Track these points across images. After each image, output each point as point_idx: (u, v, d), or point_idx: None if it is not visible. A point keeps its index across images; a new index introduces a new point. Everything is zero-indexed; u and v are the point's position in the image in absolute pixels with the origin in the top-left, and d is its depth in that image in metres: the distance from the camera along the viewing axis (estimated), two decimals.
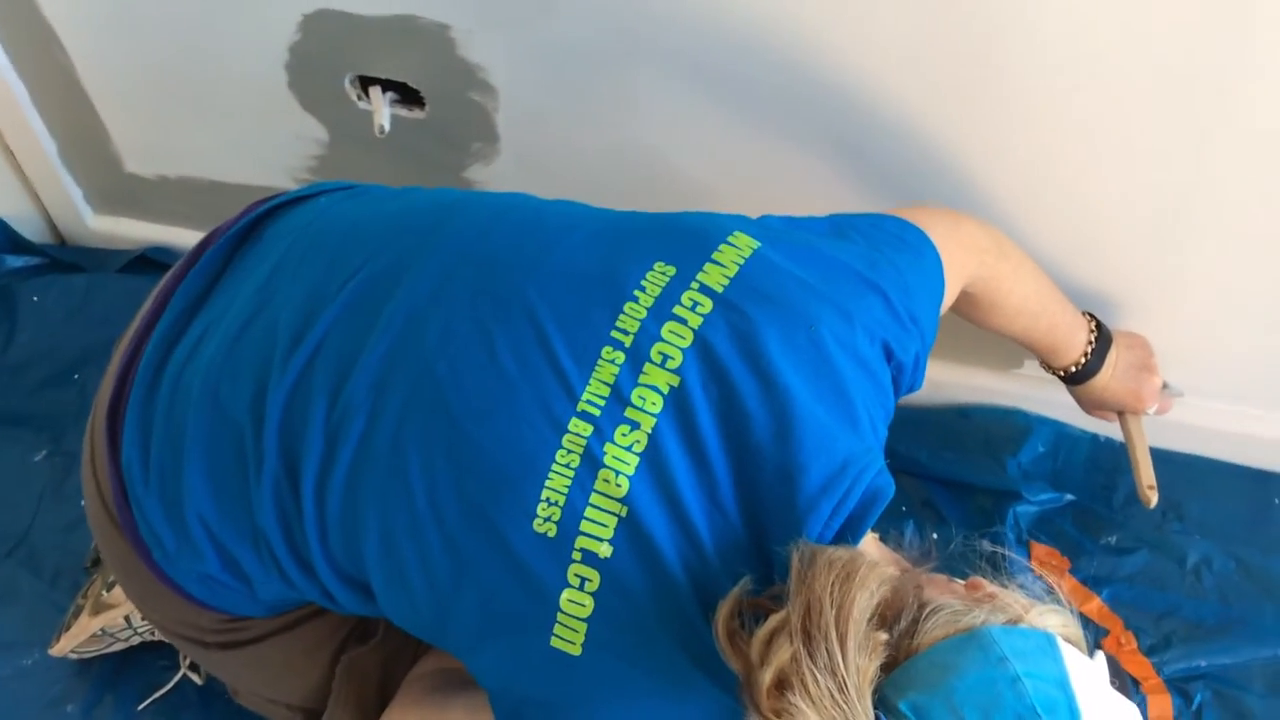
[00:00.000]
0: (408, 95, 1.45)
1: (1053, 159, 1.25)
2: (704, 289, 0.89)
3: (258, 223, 1.08)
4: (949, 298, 1.05)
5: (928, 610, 0.77)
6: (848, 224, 1.00)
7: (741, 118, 1.33)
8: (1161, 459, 1.50)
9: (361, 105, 1.46)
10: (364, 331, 0.91)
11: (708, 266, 0.90)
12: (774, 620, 0.74)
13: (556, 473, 0.83)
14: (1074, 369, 1.29)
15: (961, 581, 0.83)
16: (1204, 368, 1.44)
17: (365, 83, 1.44)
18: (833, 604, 0.72)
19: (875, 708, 0.71)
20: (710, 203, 1.39)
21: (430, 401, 0.87)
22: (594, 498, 0.83)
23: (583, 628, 0.83)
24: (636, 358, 0.86)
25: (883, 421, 0.92)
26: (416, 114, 1.46)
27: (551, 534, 0.83)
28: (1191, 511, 1.50)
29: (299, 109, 1.50)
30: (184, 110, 1.56)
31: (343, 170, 1.58)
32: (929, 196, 1.30)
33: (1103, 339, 1.29)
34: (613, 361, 0.86)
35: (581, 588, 0.83)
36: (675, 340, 0.86)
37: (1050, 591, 0.80)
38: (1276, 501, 1.51)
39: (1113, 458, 1.53)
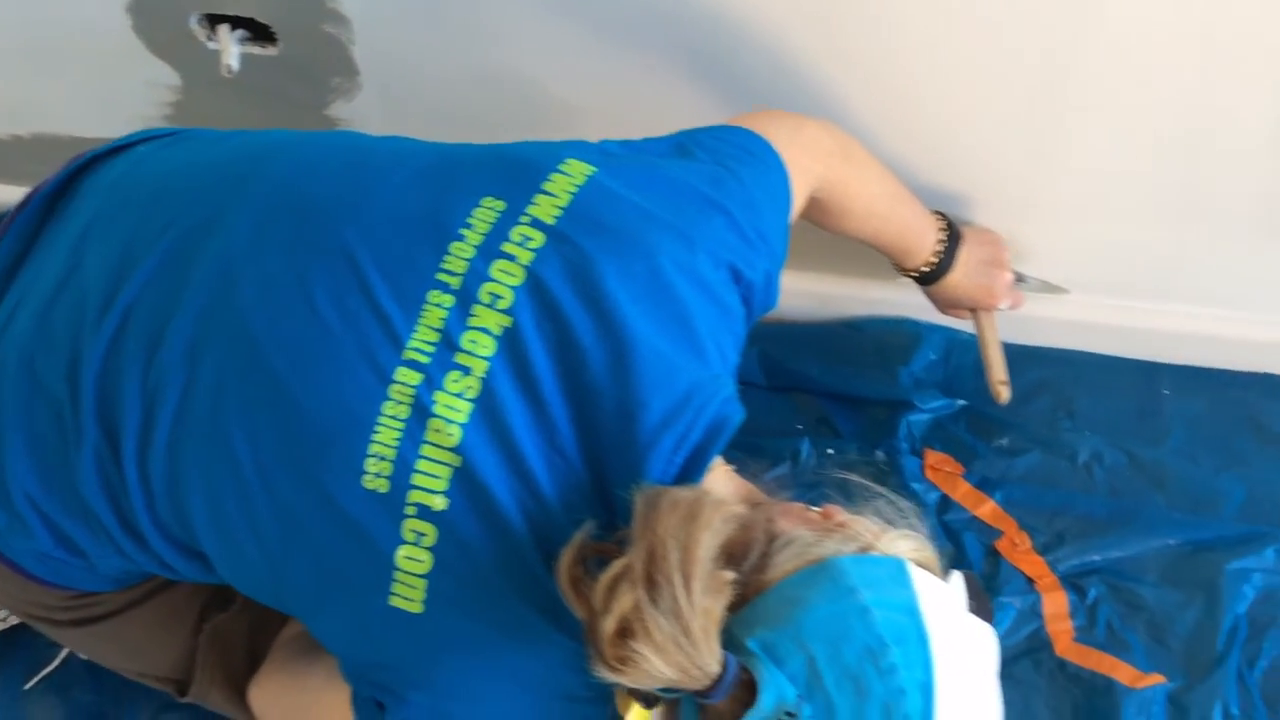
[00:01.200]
0: (258, 31, 1.39)
1: (905, 58, 1.22)
2: (535, 222, 0.85)
3: (74, 177, 1.02)
4: (796, 206, 1.02)
5: (777, 544, 0.76)
6: (691, 140, 0.97)
7: (607, 37, 1.29)
8: (1049, 357, 1.52)
9: (211, 45, 1.40)
10: (177, 290, 0.87)
11: (538, 198, 0.86)
12: (617, 566, 0.72)
13: (384, 425, 0.80)
14: (926, 269, 1.27)
15: (818, 510, 0.82)
16: (1080, 262, 1.43)
17: (213, 20, 1.38)
18: (677, 546, 0.70)
19: (724, 648, 0.70)
20: (584, 125, 1.35)
21: (248, 360, 0.84)
22: (425, 449, 0.80)
23: (422, 584, 0.80)
24: (465, 300, 0.83)
25: (733, 347, 0.90)
26: (269, 51, 1.40)
27: (383, 490, 0.80)
28: (1081, 408, 1.50)
29: (147, 54, 1.43)
30: (25, 63, 1.49)
31: (200, 116, 1.51)
32: (784, 103, 1.26)
33: (953, 237, 1.27)
34: (440, 305, 0.82)
35: (418, 543, 0.80)
36: (505, 279, 0.83)
37: (904, 515, 0.79)
38: (1165, 392, 1.52)
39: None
